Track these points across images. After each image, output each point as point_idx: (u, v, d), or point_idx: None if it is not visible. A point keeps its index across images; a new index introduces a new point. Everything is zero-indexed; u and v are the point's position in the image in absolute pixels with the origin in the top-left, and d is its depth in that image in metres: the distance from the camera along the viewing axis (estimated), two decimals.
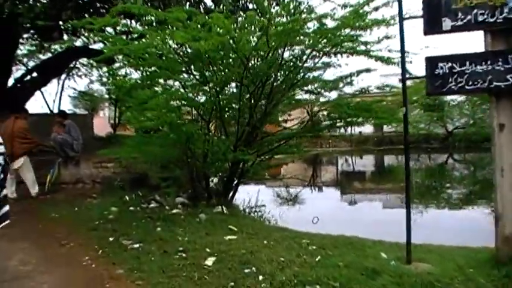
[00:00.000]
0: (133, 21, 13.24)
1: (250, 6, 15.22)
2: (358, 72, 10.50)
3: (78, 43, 21.97)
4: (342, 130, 26.13)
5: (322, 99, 11.54)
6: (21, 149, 11.51)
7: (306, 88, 11.14)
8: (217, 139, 9.98)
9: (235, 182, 10.60)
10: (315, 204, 14.92)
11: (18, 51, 24.46)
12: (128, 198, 10.63)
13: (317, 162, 33.16)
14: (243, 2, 15.60)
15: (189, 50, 9.30)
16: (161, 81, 10.53)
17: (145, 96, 9.14)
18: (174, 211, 9.20)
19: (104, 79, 24.72)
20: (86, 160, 13.18)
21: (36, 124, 16.02)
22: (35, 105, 36.63)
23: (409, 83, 6.35)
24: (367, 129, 39.15)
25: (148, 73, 10.12)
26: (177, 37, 7.36)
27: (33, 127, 15.10)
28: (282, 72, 9.81)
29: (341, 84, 10.97)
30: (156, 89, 10.20)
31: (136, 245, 6.88)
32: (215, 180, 11.75)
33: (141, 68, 10.20)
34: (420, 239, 6.95)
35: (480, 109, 37.38)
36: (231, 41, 8.55)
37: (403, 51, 5.92)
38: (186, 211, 9.27)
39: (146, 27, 9.21)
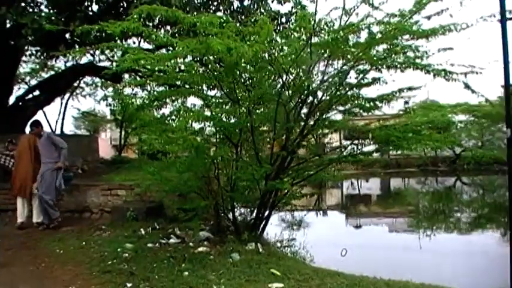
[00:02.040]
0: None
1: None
2: (400, 91, 9.26)
3: (83, 61, 20.99)
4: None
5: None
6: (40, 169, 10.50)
7: (340, 108, 9.79)
8: (250, 165, 8.67)
9: (266, 213, 9.27)
10: (346, 234, 14.12)
11: (21, 70, 23.54)
12: (143, 231, 9.29)
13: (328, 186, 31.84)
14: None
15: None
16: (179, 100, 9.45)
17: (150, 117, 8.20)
18: (200, 249, 7.85)
19: (109, 99, 23.66)
20: (92, 186, 11.88)
21: None
22: None
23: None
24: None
25: (161, 91, 9.03)
26: (213, 44, 6.12)
27: None
28: (325, 89, 8.56)
29: (380, 104, 9.69)
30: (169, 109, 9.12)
31: None
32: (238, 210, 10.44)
33: (150, 86, 9.19)
34: None
35: (488, 131, 36.36)
36: (273, 51, 7.38)
37: (506, 55, 4.67)
38: (214, 249, 7.93)
39: (170, 35, 7.94)
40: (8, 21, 12.95)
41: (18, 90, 20.93)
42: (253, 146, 8.52)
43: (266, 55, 7.66)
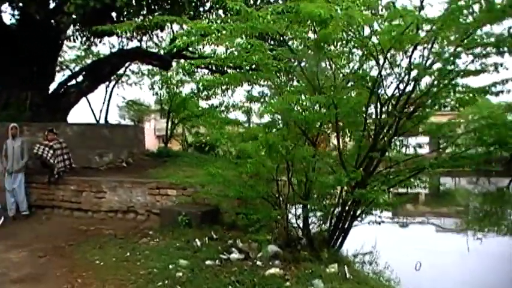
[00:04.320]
0: None
1: None
2: (505, 81, 7.42)
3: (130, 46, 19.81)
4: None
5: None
6: None
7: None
8: (332, 169, 7.10)
9: (346, 225, 7.66)
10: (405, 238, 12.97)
11: (66, 57, 22.57)
12: (198, 242, 7.76)
13: None
14: None
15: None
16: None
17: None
18: (272, 271, 6.25)
19: (156, 88, 22.65)
20: (139, 184, 10.50)
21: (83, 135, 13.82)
22: (81, 113, 35.09)
23: None
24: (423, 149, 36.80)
25: (229, 74, 7.59)
26: (309, 9, 4.59)
27: (80, 138, 13.14)
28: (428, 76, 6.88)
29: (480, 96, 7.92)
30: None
31: None
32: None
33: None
34: None
35: None
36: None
37: None
38: (289, 270, 6.37)
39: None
40: (51, 1, 11.89)
41: (62, 77, 19.76)
42: (337, 144, 6.96)
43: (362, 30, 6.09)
